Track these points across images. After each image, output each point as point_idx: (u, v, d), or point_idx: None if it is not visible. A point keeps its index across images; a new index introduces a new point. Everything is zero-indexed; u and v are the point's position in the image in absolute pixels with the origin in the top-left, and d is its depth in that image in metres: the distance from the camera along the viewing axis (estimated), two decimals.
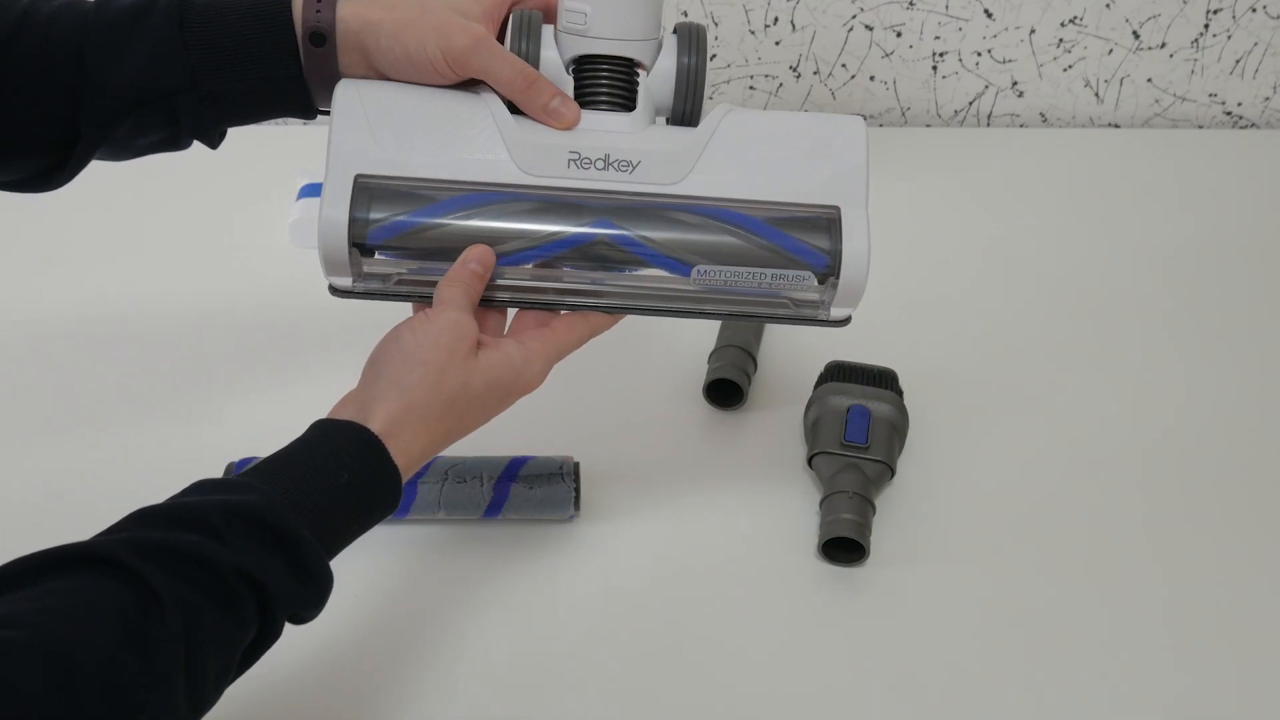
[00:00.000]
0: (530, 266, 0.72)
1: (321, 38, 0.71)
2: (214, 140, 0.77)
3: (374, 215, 0.70)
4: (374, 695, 0.77)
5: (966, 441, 0.94)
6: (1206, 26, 1.24)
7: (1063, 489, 0.91)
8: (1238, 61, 1.26)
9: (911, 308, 1.06)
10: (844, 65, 1.27)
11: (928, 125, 1.31)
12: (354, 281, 0.72)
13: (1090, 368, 1.00)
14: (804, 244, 0.71)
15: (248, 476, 0.63)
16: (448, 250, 0.71)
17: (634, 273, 0.73)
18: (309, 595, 0.63)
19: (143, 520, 0.60)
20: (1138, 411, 0.97)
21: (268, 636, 0.62)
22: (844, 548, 0.84)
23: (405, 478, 0.67)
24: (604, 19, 0.72)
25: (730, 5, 1.22)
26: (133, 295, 1.05)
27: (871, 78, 1.28)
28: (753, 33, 1.25)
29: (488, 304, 0.73)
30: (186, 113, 0.73)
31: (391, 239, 0.71)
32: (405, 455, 0.67)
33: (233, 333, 1.02)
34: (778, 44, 1.25)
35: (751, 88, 1.29)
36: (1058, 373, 1.00)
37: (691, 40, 0.73)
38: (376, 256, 0.71)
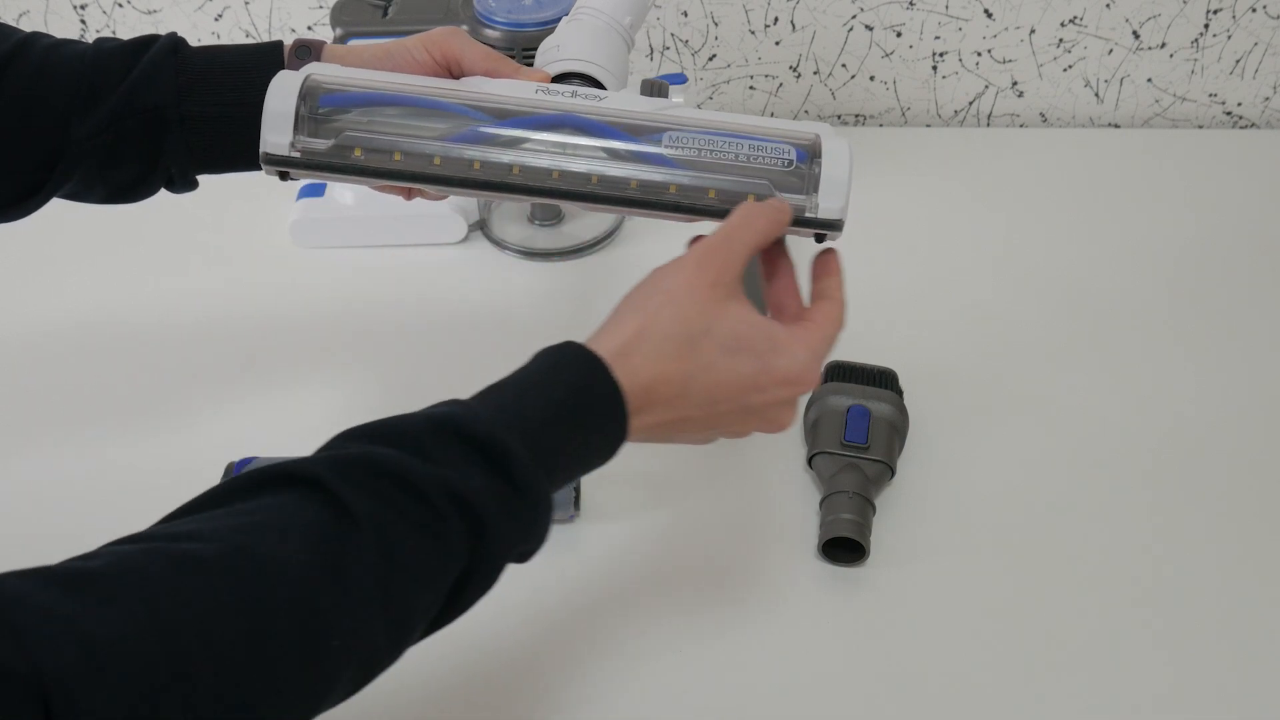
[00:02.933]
0: (483, 146, 0.71)
1: (307, 50, 0.75)
2: (188, 182, 0.78)
3: (329, 85, 0.72)
4: (371, 695, 0.77)
5: (966, 441, 0.94)
6: (1206, 26, 1.24)
7: (1063, 489, 0.91)
8: (1238, 61, 1.26)
9: (911, 308, 1.06)
10: (844, 65, 1.27)
11: (928, 125, 1.31)
12: (292, 143, 0.71)
13: (1091, 367, 1.00)
14: (781, 138, 0.72)
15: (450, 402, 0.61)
16: (397, 127, 0.71)
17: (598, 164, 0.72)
18: (522, 513, 0.59)
19: (346, 438, 0.59)
20: (1138, 411, 0.97)
21: (481, 570, 0.58)
22: (844, 548, 0.84)
23: (634, 410, 0.62)
24: (574, 46, 0.78)
25: (730, 5, 1.22)
26: (131, 296, 1.05)
27: (871, 78, 1.28)
28: (753, 33, 1.25)
29: (429, 182, 0.72)
30: (167, 134, 0.74)
31: (343, 104, 0.71)
32: (632, 379, 0.62)
33: (232, 333, 1.02)
34: (778, 44, 1.25)
35: (751, 88, 1.29)
36: (1058, 373, 1.00)
37: (653, 90, 0.76)
38: (323, 124, 0.71)
